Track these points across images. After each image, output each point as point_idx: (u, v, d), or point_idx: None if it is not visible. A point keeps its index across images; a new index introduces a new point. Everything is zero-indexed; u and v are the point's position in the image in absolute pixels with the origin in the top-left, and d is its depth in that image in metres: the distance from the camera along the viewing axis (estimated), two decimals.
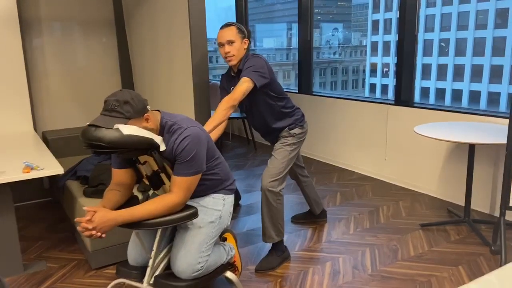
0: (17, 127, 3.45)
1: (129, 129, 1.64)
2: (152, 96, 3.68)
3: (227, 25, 2.42)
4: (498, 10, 26.89)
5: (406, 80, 3.81)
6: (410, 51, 3.77)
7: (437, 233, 2.93)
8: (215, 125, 2.25)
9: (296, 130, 2.61)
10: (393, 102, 3.90)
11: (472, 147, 2.90)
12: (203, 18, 2.73)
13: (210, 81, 6.73)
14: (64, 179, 3.05)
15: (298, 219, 3.21)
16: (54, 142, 3.59)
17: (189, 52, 2.79)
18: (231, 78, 2.53)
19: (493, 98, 26.35)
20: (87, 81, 4.00)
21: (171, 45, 3.13)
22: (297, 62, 5.06)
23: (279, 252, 2.60)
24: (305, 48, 4.92)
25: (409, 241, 2.83)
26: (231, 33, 2.38)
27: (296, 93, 5.05)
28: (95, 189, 2.64)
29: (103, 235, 1.70)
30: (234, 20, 6.28)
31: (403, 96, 3.83)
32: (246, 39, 2.43)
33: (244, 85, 2.31)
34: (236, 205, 3.54)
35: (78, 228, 1.68)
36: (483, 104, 26.31)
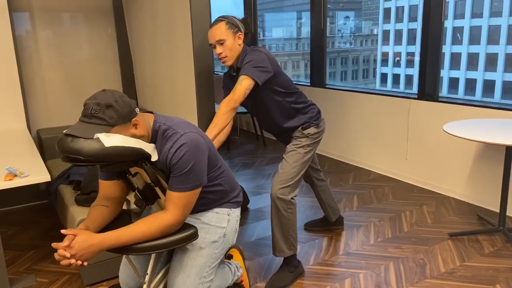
0: (9, 125, 3.20)
1: (112, 139, 1.35)
2: (154, 88, 3.39)
3: (216, 22, 2.11)
4: None
5: (431, 72, 3.47)
6: (436, 40, 3.42)
7: (469, 244, 2.62)
8: (216, 132, 1.96)
9: (311, 130, 2.31)
10: (415, 96, 3.57)
11: (509, 148, 2.57)
12: (206, 2, 2.42)
13: (217, 73, 6.44)
14: (57, 183, 2.80)
15: (312, 227, 2.92)
16: (48, 142, 3.33)
17: (191, 38, 2.49)
18: (232, 77, 2.23)
19: None
20: (85, 74, 3.73)
21: (172, 32, 2.83)
22: (306, 51, 4.73)
23: (291, 267, 2.32)
24: (318, 37, 4.59)
25: (438, 254, 2.53)
26: (220, 31, 2.07)
27: (307, 86, 4.73)
28: (87, 197, 2.37)
29: (85, 263, 1.43)
30: (242, 9, 5.95)
31: (427, 89, 3.50)
32: (240, 33, 2.11)
33: (243, 84, 2.01)
34: (244, 210, 3.26)
35: (55, 256, 1.41)
36: None
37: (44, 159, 3.39)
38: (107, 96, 1.40)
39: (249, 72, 2.02)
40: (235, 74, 2.19)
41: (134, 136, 1.45)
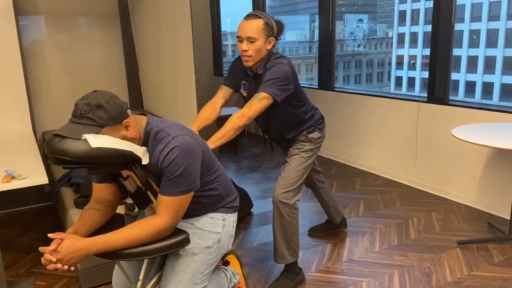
0: (14, 127, 3.22)
1: (100, 140, 1.32)
2: (158, 89, 3.38)
3: (254, 16, 1.95)
4: None
5: (441, 75, 3.38)
6: (446, 43, 3.33)
7: (478, 253, 2.53)
8: (221, 143, 1.90)
9: (315, 134, 2.25)
10: (425, 99, 3.48)
11: None
12: (206, 7, 2.39)
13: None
14: (58, 185, 2.80)
15: (316, 232, 2.86)
16: None
17: (191, 40, 2.47)
18: (245, 74, 2.14)
19: None
20: (91, 76, 3.74)
21: (173, 34, 2.82)
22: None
23: (292, 275, 2.26)
24: (327, 40, 4.53)
25: (445, 262, 2.44)
26: (255, 27, 1.93)
27: (316, 89, 4.67)
28: (86, 200, 2.36)
29: (72, 268, 1.40)
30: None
31: (437, 93, 3.41)
32: (273, 38, 1.98)
33: (262, 103, 1.94)
34: (248, 214, 3.21)
35: (42, 260, 1.38)
36: None
37: (48, 161, 3.39)
38: (98, 96, 1.38)
39: (271, 90, 1.94)
40: (250, 74, 2.10)
41: (124, 138, 1.42)
